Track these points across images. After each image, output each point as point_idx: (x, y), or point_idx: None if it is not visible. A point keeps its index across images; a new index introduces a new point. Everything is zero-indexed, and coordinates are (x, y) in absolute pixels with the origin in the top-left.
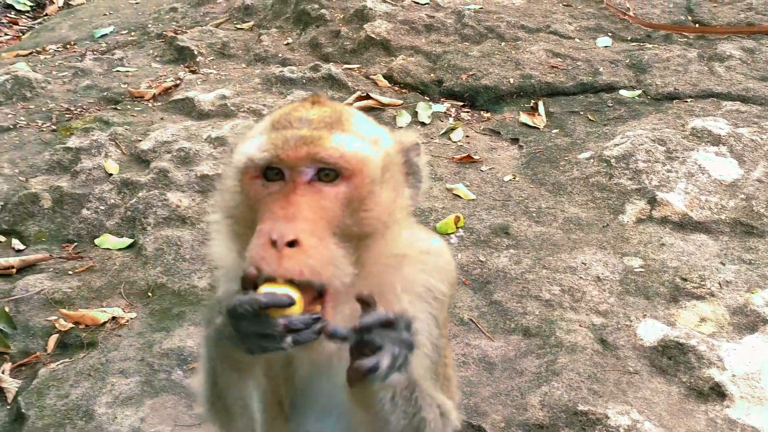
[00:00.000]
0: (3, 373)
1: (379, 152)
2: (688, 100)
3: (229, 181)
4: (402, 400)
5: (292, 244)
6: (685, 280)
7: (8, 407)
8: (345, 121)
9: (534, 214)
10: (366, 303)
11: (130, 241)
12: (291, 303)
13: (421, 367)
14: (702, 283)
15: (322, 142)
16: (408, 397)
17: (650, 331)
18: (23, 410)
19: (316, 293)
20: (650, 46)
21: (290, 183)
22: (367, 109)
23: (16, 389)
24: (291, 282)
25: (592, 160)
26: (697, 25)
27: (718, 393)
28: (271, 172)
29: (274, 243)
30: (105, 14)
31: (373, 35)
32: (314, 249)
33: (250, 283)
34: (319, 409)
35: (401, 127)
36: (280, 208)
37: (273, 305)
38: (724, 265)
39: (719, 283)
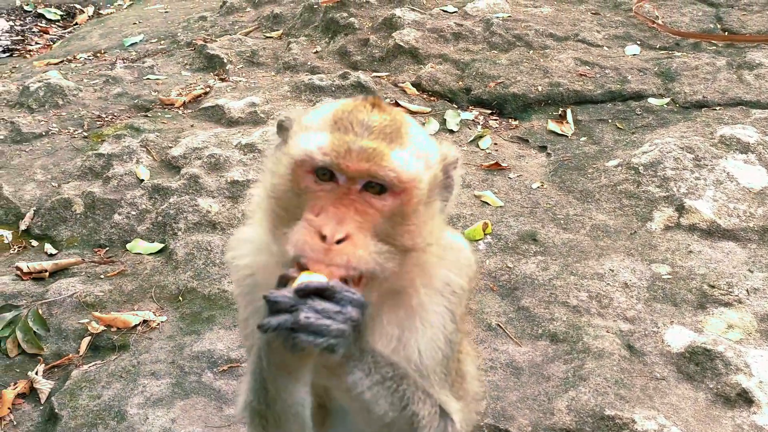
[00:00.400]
0: (36, 374)
1: (429, 171)
2: (717, 108)
3: (281, 167)
4: (384, 389)
5: (340, 242)
6: (713, 287)
7: (41, 407)
8: (404, 134)
9: (562, 221)
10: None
11: (161, 245)
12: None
13: (431, 359)
14: (730, 290)
15: (382, 160)
16: (393, 388)
17: (677, 337)
18: (56, 410)
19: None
20: (679, 54)
21: (343, 187)
22: None
23: (50, 390)
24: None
25: (620, 168)
26: (726, 33)
27: (745, 399)
28: (324, 171)
29: (323, 237)
30: (135, 23)
31: (401, 43)
32: (362, 247)
33: (286, 280)
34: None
35: (439, 136)
36: (332, 207)
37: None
38: (752, 272)
39: (747, 291)
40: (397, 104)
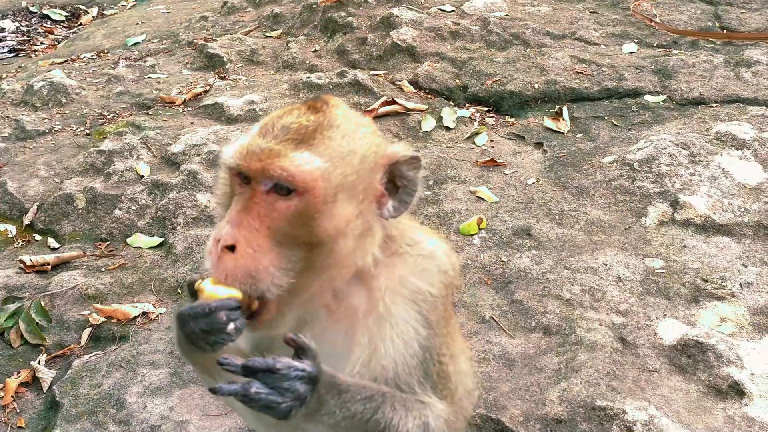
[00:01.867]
0: (39, 363)
1: (342, 171)
2: (714, 105)
3: (221, 173)
4: (356, 421)
5: (232, 248)
6: (706, 281)
7: (44, 396)
8: (318, 135)
9: (556, 217)
10: (293, 345)
11: (161, 240)
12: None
13: (405, 365)
14: (723, 284)
15: (275, 160)
16: (367, 418)
17: (670, 330)
18: (58, 398)
19: (255, 298)
20: (676, 52)
21: (250, 190)
22: (393, 114)
23: (51, 379)
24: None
25: (615, 164)
26: (724, 31)
27: (737, 391)
28: (242, 175)
29: (218, 242)
30: (137, 24)
31: (399, 42)
32: (246, 258)
33: (194, 290)
34: None
35: (435, 133)
36: (234, 211)
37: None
38: (746, 267)
39: (740, 285)
40: (393, 101)
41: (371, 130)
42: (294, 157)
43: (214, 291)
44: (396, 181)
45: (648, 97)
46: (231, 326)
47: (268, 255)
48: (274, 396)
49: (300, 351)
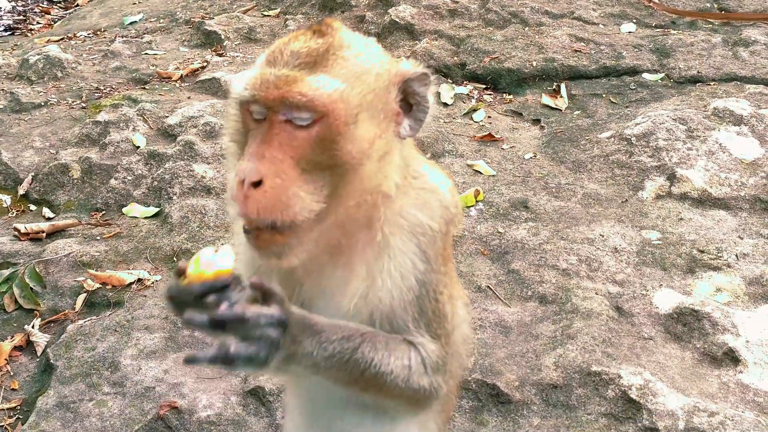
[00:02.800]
0: (33, 328)
1: (360, 91)
2: (711, 83)
3: (231, 109)
4: (335, 363)
5: (258, 184)
6: (702, 252)
7: (38, 359)
8: (331, 56)
9: (553, 190)
10: (259, 289)
11: (157, 209)
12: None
13: (401, 299)
14: (719, 255)
15: (293, 86)
16: (345, 359)
17: (666, 299)
18: (52, 361)
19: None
20: (675, 32)
21: (267, 121)
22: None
23: (45, 343)
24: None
25: (612, 139)
26: (722, 12)
27: (731, 358)
28: (256, 107)
29: (243, 182)
30: (134, 3)
31: (397, 19)
32: (276, 189)
33: (181, 273)
34: None
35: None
36: (254, 146)
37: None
38: (741, 239)
39: (736, 256)
40: None
41: (380, 48)
42: (311, 81)
43: (202, 269)
44: (409, 99)
45: (646, 75)
46: (223, 306)
47: (296, 182)
48: (252, 348)
49: (266, 296)
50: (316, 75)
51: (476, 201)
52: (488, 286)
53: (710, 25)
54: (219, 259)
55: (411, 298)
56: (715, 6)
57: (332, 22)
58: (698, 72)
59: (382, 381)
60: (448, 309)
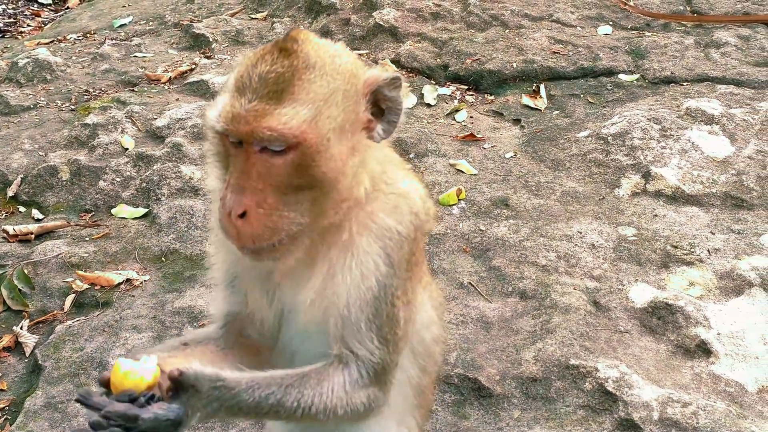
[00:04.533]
0: (21, 329)
1: (329, 113)
2: (684, 83)
3: (209, 134)
4: (248, 409)
5: (243, 214)
6: (676, 247)
7: (26, 360)
8: (297, 81)
9: (533, 188)
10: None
11: (145, 210)
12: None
13: (358, 298)
14: (692, 250)
15: (261, 122)
16: (261, 407)
17: (641, 294)
18: (40, 362)
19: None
20: (649, 34)
21: (244, 151)
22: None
23: (34, 343)
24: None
25: (590, 138)
26: (695, 14)
27: (704, 350)
28: (231, 138)
29: (230, 214)
30: (124, 6)
31: (381, 22)
32: (260, 217)
33: (105, 384)
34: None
35: (417, 110)
36: (234, 178)
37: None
38: (713, 234)
39: (708, 251)
40: None
41: (346, 57)
42: (279, 115)
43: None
44: (380, 104)
45: (622, 76)
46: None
47: (278, 208)
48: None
49: (179, 386)
50: (283, 106)
51: (458, 199)
52: (470, 283)
53: (683, 28)
54: (141, 369)
55: (369, 297)
56: (688, 9)
57: (298, 35)
58: (672, 73)
59: (313, 414)
60: (402, 315)
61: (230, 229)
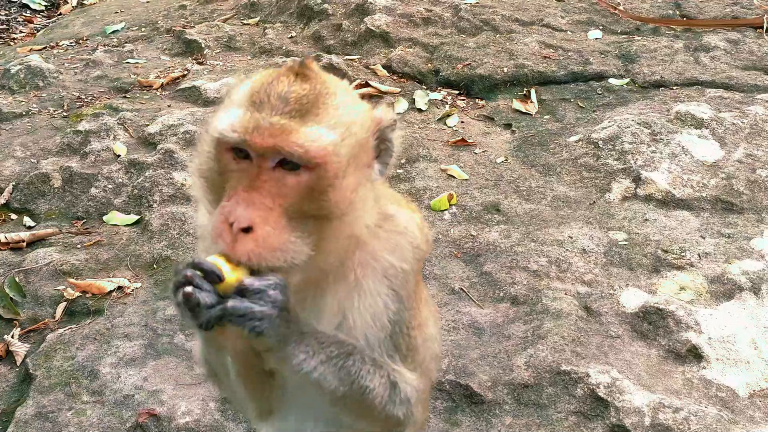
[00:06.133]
0: (12, 337)
1: (348, 142)
2: (674, 87)
3: (206, 146)
4: (330, 367)
5: (247, 230)
6: (667, 252)
7: (17, 369)
8: (321, 105)
9: (524, 193)
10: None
11: (137, 217)
12: (212, 272)
13: (375, 338)
14: (682, 254)
15: (289, 137)
16: (339, 365)
17: (632, 298)
18: (31, 371)
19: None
20: (639, 38)
21: (256, 167)
22: (367, 97)
23: (25, 352)
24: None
25: (580, 143)
26: (684, 19)
27: (695, 355)
28: (239, 149)
29: (231, 224)
30: (116, 12)
31: (373, 28)
32: (266, 238)
33: (196, 266)
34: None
35: (408, 115)
36: (242, 190)
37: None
38: (704, 238)
39: (698, 255)
40: (367, 84)
41: (356, 94)
42: (306, 132)
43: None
44: (380, 145)
45: (612, 80)
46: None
47: (285, 231)
48: (249, 303)
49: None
50: (310, 126)
51: (450, 205)
52: (462, 288)
53: (673, 32)
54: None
55: (384, 336)
56: (677, 13)
57: (311, 63)
58: (661, 77)
59: (364, 396)
60: (419, 341)
61: (229, 240)
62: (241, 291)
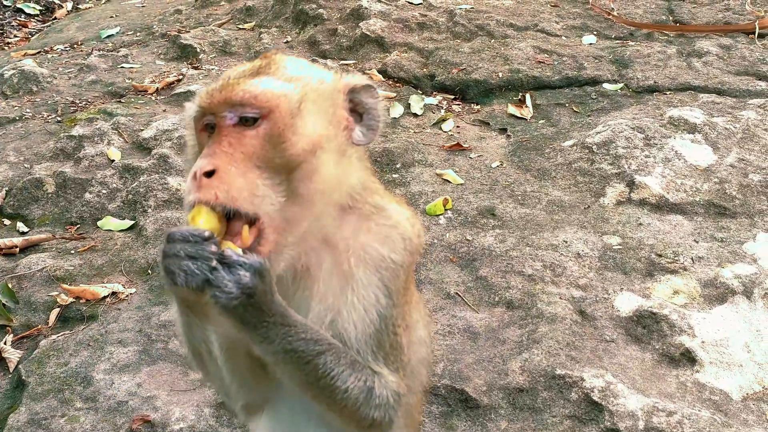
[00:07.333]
0: (5, 344)
1: (296, 88)
2: (667, 92)
3: (188, 132)
4: (295, 360)
5: (210, 174)
6: (660, 256)
7: (10, 376)
8: (271, 67)
9: (519, 197)
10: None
11: (131, 222)
12: (196, 234)
13: (362, 332)
14: (676, 258)
15: (235, 87)
16: (306, 361)
17: (626, 302)
18: (24, 377)
19: (246, 223)
20: (633, 43)
21: (218, 129)
22: None
23: (18, 359)
24: (214, 209)
25: (575, 148)
26: (677, 24)
27: (688, 359)
28: (211, 126)
29: (195, 174)
30: (112, 17)
31: (368, 33)
32: (230, 176)
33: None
34: None
35: (403, 119)
36: (207, 147)
37: (179, 236)
38: (697, 242)
39: (692, 259)
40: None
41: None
42: (254, 83)
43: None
44: (358, 109)
45: (606, 85)
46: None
47: (250, 174)
48: (223, 273)
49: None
50: (259, 78)
51: (445, 209)
52: (457, 293)
53: (666, 37)
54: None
55: (372, 331)
56: (671, 18)
57: (272, 53)
58: (655, 82)
59: (336, 397)
60: (404, 341)
61: (194, 186)
62: (221, 258)
